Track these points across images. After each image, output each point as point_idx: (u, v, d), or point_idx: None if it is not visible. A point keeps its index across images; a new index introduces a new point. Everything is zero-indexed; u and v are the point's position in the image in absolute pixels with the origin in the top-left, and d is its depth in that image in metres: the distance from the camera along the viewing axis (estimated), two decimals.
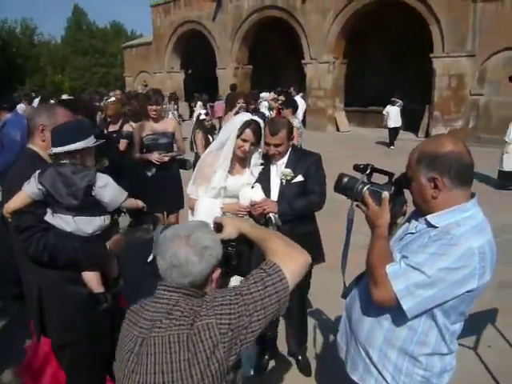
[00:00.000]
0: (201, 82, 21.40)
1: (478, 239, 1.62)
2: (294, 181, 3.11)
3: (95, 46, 42.82)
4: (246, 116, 3.21)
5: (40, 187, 2.14)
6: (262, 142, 3.20)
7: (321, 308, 4.25)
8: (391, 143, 14.22)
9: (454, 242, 1.60)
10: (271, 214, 3.03)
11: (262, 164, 3.23)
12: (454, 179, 1.66)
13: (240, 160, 3.24)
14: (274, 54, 23.01)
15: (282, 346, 3.61)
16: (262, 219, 3.08)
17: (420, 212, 1.80)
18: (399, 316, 1.71)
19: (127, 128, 6.02)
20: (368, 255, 1.76)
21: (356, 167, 1.95)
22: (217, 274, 1.47)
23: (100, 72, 42.77)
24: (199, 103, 15.30)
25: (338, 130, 18.49)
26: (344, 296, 2.08)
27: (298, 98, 11.67)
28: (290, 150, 3.19)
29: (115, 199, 2.30)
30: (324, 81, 18.20)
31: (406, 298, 1.62)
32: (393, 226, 1.89)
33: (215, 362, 1.31)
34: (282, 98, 8.82)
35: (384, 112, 14.47)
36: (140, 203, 2.52)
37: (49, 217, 2.21)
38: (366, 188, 1.84)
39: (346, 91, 18.73)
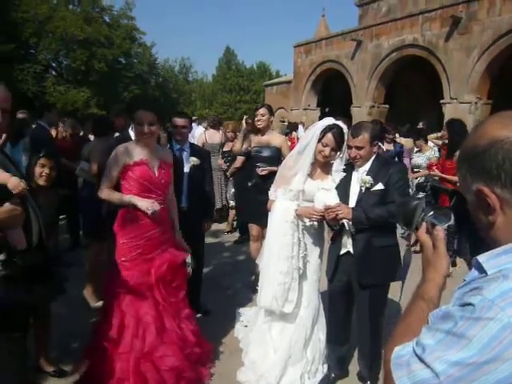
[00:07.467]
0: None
1: None
2: (374, 189, 2.90)
3: (241, 84, 45.89)
4: (328, 120, 3.15)
5: None
6: (346, 148, 3.11)
7: None
8: None
9: (479, 311, 0.84)
10: (345, 221, 2.89)
11: (344, 170, 3.12)
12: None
13: (322, 165, 3.18)
14: (412, 94, 22.28)
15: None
16: (335, 225, 2.96)
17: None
18: None
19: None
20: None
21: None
22: None
23: (243, 108, 45.46)
24: None
25: None
26: None
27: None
28: (373, 157, 3.01)
29: None
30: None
31: None
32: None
33: None
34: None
35: None
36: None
37: None
38: (422, 219, 1.31)
39: None
